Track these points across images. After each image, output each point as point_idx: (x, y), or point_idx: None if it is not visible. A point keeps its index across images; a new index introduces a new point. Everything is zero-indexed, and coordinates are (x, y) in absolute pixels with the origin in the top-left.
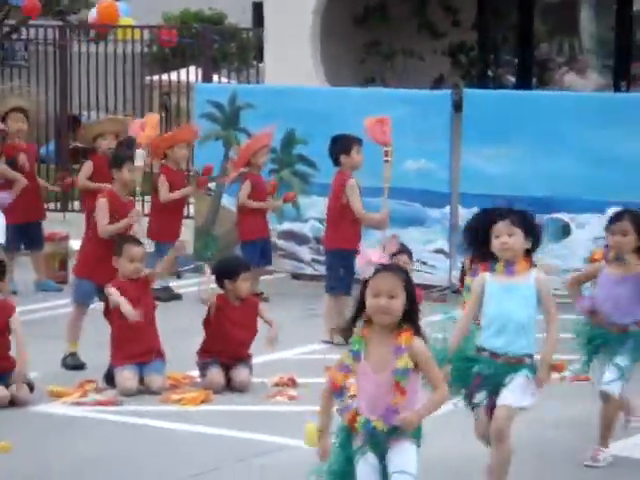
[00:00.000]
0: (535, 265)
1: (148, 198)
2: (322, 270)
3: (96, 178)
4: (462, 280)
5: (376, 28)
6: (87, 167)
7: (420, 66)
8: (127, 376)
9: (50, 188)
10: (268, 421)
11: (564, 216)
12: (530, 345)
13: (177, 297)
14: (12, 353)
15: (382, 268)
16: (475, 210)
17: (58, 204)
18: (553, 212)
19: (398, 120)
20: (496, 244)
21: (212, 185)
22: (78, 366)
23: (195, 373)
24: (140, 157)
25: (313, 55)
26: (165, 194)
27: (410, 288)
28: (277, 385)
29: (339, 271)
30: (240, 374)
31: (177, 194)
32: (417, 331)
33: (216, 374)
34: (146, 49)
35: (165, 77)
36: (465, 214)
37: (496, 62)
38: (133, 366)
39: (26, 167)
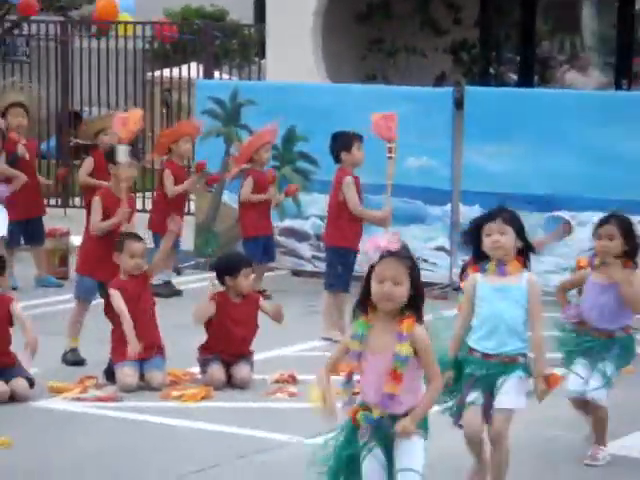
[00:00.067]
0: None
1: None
2: (322, 267)
3: (97, 174)
4: (462, 278)
5: (379, 25)
6: (88, 163)
7: (422, 63)
8: (127, 372)
9: (44, 182)
10: (269, 418)
11: (565, 214)
12: (523, 345)
13: (178, 293)
14: (12, 349)
15: (388, 254)
16: (476, 208)
17: (59, 200)
18: (554, 210)
19: (400, 117)
20: (487, 243)
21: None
22: (78, 362)
23: (196, 369)
24: (122, 153)
25: (314, 51)
26: (172, 188)
27: (415, 275)
28: (277, 382)
29: (337, 268)
30: (241, 371)
31: (183, 186)
32: (420, 318)
33: (217, 370)
34: (147, 45)
35: (166, 73)
36: (466, 212)
37: (498, 60)
38: (133, 362)
39: (26, 157)
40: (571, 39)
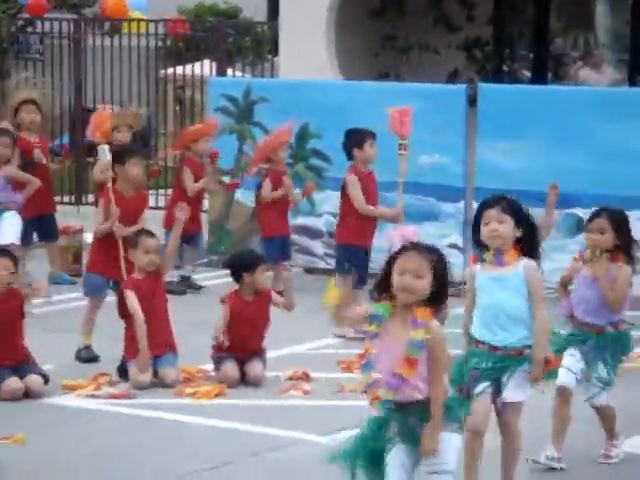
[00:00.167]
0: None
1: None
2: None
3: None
4: None
5: (392, 21)
6: (102, 161)
7: (435, 60)
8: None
9: (52, 167)
10: (282, 415)
11: (579, 211)
12: (528, 335)
13: (197, 288)
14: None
15: (410, 247)
16: None
17: (72, 197)
18: (568, 207)
19: (413, 114)
20: (485, 231)
21: (226, 178)
22: (92, 359)
23: (209, 367)
24: (102, 152)
25: (328, 47)
26: (192, 185)
27: (440, 269)
28: (291, 379)
29: (344, 265)
30: (254, 368)
31: (200, 184)
32: (437, 313)
33: (230, 368)
34: (160, 42)
35: (180, 70)
36: None
37: (511, 57)
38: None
39: (42, 161)
40: (585, 36)
